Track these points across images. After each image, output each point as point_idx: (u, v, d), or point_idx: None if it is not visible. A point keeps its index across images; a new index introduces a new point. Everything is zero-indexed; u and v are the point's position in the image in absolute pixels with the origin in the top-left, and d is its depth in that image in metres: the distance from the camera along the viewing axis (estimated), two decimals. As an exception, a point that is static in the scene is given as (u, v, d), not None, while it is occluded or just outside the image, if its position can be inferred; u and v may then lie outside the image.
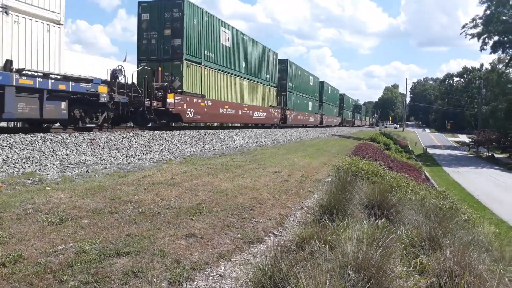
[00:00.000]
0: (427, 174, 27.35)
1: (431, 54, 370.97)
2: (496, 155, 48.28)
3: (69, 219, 4.78)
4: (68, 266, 3.54)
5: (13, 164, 7.97)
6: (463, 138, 78.18)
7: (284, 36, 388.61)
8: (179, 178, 7.92)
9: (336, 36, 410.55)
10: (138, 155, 10.80)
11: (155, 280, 3.40)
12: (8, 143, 8.98)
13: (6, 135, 9.58)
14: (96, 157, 9.73)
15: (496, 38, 52.52)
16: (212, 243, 4.53)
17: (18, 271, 3.39)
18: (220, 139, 17.46)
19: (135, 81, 16.31)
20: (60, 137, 10.47)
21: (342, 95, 70.29)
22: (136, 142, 12.54)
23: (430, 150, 52.85)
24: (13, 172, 7.32)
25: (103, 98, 13.31)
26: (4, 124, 17.02)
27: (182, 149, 13.21)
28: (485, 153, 51.13)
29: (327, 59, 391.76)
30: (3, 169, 7.44)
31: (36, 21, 11.54)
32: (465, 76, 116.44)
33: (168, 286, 3.41)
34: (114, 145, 11.47)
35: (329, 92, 61.12)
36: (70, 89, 11.80)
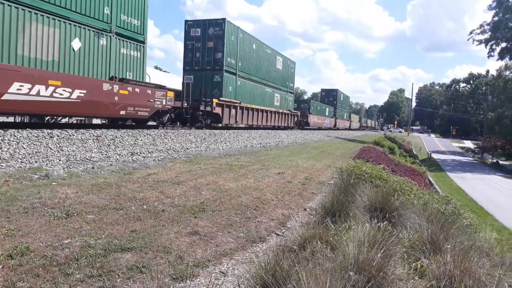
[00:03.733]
0: (430, 179, 27.30)
1: (437, 60, 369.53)
2: (501, 162, 48.06)
3: (75, 214, 4.86)
4: (73, 260, 3.60)
5: (20, 159, 8.07)
6: (468, 144, 77.82)
7: (290, 38, 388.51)
8: (183, 176, 7.99)
9: (342, 39, 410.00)
10: (144, 153, 10.89)
11: (158, 275, 3.46)
12: (15, 138, 9.09)
13: (14, 130, 9.70)
14: (102, 154, 9.83)
15: (503, 44, 52.44)
16: (215, 241, 4.59)
17: (25, 263, 3.46)
18: (224, 139, 17.53)
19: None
20: (66, 133, 10.57)
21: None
22: (141, 140, 12.63)
23: (434, 155, 52.70)
24: (20, 167, 7.41)
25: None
26: (11, 119, 17.21)
27: (187, 148, 13.29)
28: (490, 160, 50.91)
29: (333, 62, 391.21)
30: (10, 164, 7.54)
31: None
32: (471, 82, 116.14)
33: (171, 281, 3.47)
34: (120, 142, 11.57)
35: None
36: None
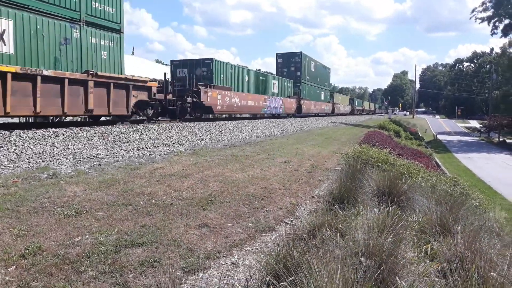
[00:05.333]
0: (437, 160, 27.19)
1: (439, 40, 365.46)
2: (507, 140, 47.75)
3: (84, 212, 4.89)
4: (85, 257, 3.64)
5: (27, 159, 8.11)
6: (474, 123, 77.32)
7: (290, 25, 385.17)
8: (190, 169, 8.01)
9: (342, 23, 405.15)
10: (149, 148, 10.91)
11: (170, 269, 3.49)
12: (21, 138, 9.13)
13: (19, 130, 9.74)
14: (108, 151, 9.86)
15: (507, 21, 51.78)
16: (225, 232, 4.61)
17: (38, 262, 3.49)
18: (229, 130, 17.53)
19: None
20: (71, 131, 10.60)
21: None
22: (146, 135, 12.65)
23: (440, 137, 52.41)
24: (28, 167, 7.46)
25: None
26: (16, 120, 17.27)
27: (192, 141, 13.30)
28: (497, 139, 50.58)
29: (334, 46, 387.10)
30: (18, 164, 7.58)
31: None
32: (475, 61, 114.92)
33: (183, 275, 3.49)
34: (125, 138, 11.59)
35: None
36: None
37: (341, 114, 59.26)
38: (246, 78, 28.46)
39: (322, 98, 49.10)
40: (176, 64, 24.58)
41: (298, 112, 39.32)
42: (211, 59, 23.81)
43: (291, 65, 39.79)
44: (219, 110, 23.79)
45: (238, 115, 29.64)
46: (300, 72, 39.67)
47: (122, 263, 3.57)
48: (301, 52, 40.17)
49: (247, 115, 32.72)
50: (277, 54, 41.03)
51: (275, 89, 33.58)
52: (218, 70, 24.28)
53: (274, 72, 39.97)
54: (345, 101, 67.23)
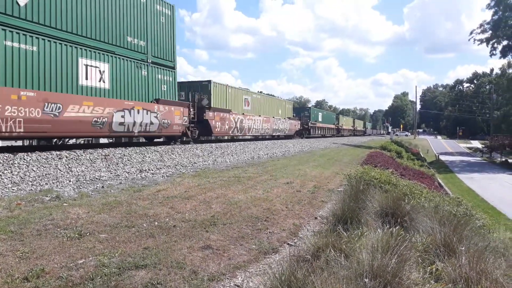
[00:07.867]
0: (440, 181, 27.09)
1: (439, 61, 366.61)
2: (510, 160, 47.60)
3: (88, 234, 4.89)
4: (89, 280, 3.62)
5: (31, 181, 8.14)
6: (476, 144, 77.22)
7: (290, 48, 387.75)
8: (193, 191, 8.02)
9: (341, 46, 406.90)
10: (152, 170, 10.94)
11: (174, 291, 3.47)
12: (25, 161, 9.18)
13: (23, 153, 9.80)
14: (111, 173, 9.88)
15: (505, 42, 52.34)
16: (228, 254, 4.59)
17: (41, 285, 3.48)
18: (231, 152, 17.57)
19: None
20: (75, 154, 10.66)
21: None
22: (149, 157, 12.69)
23: (442, 157, 52.32)
24: (31, 190, 7.48)
25: None
26: (19, 142, 17.37)
27: (195, 163, 13.33)
28: (499, 159, 50.45)
29: (334, 69, 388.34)
30: (21, 187, 7.61)
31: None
32: (475, 81, 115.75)
33: (187, 297, 3.47)
34: (128, 160, 11.63)
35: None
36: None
37: (262, 133, 31.87)
38: None
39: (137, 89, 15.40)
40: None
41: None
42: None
43: None
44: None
45: None
46: None
47: (125, 286, 3.55)
48: None
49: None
50: None
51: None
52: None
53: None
54: (275, 109, 34.91)
